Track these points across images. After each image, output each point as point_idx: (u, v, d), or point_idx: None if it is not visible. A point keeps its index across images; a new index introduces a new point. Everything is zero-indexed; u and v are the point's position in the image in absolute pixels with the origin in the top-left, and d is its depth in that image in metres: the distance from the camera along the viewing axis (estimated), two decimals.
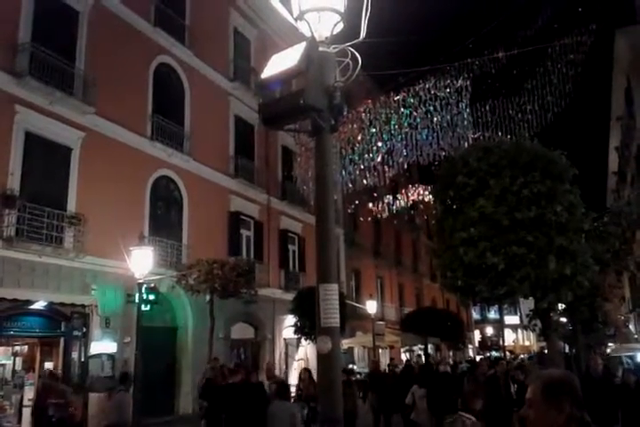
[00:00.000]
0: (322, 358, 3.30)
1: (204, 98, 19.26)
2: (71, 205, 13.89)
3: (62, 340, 13.28)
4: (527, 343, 50.30)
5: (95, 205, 14.20)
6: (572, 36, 13.22)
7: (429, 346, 25.80)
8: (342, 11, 3.95)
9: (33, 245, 12.56)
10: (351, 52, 4.07)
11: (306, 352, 21.76)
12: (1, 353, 12.26)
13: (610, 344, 25.88)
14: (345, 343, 23.28)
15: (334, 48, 4.00)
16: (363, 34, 4.13)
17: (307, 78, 3.72)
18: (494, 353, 38.21)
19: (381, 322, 24.86)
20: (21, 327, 12.66)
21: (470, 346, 42.78)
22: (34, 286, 12.62)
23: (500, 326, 39.88)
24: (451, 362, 23.12)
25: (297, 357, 22.04)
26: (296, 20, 4.04)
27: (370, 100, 20.80)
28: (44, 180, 13.50)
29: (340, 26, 4.03)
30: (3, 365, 12.76)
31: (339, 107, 3.93)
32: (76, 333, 13.29)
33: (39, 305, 12.68)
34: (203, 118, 19.06)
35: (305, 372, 11.83)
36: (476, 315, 50.38)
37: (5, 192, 12.32)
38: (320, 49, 3.87)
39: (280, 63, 3.84)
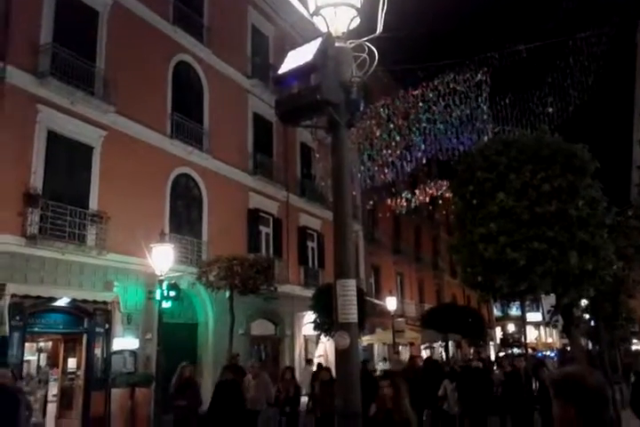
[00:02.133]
0: (340, 353, 3.30)
1: (222, 95, 19.35)
2: (93, 203, 14.05)
3: (85, 336, 13.46)
4: (550, 340, 49.73)
5: (117, 202, 14.36)
6: (594, 28, 12.99)
7: (450, 343, 25.62)
8: (358, 6, 3.93)
9: (56, 243, 12.73)
10: (368, 46, 4.05)
11: (325, 349, 21.79)
12: (26, 349, 12.46)
13: (635, 341, 25.48)
14: (365, 340, 23.27)
15: (351, 43, 3.98)
16: (379, 28, 4.10)
17: (323, 74, 3.71)
18: (516, 350, 37.82)
19: (401, 319, 24.80)
20: (45, 324, 12.86)
21: (492, 343, 42.43)
22: (57, 284, 12.81)
23: (521, 322, 39.47)
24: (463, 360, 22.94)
25: (317, 353, 22.07)
26: (312, 15, 4.03)
27: (388, 96, 20.69)
28: (67, 178, 13.68)
29: (357, 21, 4.01)
30: (28, 361, 13.00)
31: (355, 102, 3.92)
32: (98, 329, 13.46)
33: (62, 302, 12.85)
34: (222, 116, 19.15)
35: (287, 371, 10.91)
36: (497, 312, 49.94)
37: (28, 191, 12.50)
38: (336, 44, 3.85)
39: (296, 59, 3.84)
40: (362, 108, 4.12)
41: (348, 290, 3.39)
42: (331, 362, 16.91)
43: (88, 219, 13.61)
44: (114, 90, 14.68)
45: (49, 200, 12.78)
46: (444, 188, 23.35)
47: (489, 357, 29.56)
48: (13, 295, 11.55)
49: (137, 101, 15.60)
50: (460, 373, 11.43)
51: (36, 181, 12.79)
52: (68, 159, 13.78)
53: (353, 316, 3.35)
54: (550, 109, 13.86)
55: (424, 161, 21.46)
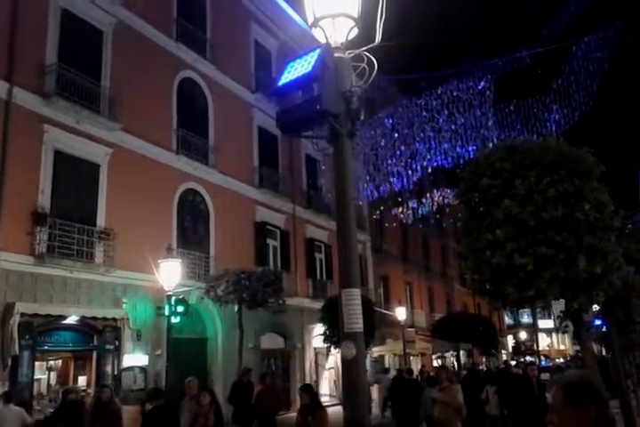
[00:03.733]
0: (346, 363, 3.27)
1: (227, 110, 19.48)
2: (101, 221, 14.12)
3: (95, 353, 13.46)
4: (562, 347, 49.22)
5: (124, 219, 14.42)
6: (598, 33, 13.00)
7: (461, 352, 25.40)
8: (356, 16, 3.96)
9: (64, 261, 12.78)
10: (367, 56, 4.07)
11: (336, 361, 21.64)
12: (36, 368, 12.45)
13: None
14: (375, 351, 23.11)
15: (350, 53, 4.01)
16: (378, 38, 4.13)
17: (322, 84, 3.73)
18: (529, 358, 37.44)
19: (411, 329, 24.61)
20: (55, 342, 12.87)
21: (504, 351, 42.03)
22: (66, 302, 12.84)
23: (533, 330, 39.18)
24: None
25: (327, 366, 21.95)
26: (311, 27, 4.06)
27: (392, 105, 20.75)
28: (74, 196, 13.76)
29: (355, 31, 4.04)
30: (38, 380, 12.96)
31: (356, 111, 3.94)
32: (108, 346, 13.45)
33: (72, 320, 12.88)
34: (227, 130, 19.27)
35: (206, 395, 8.57)
36: (508, 320, 49.55)
37: (36, 210, 12.59)
38: (335, 55, 3.88)
39: (295, 70, 3.87)
40: (362, 118, 4.13)
41: (352, 299, 3.37)
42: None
43: (96, 236, 13.67)
44: (119, 108, 14.82)
45: (57, 218, 12.85)
46: (451, 196, 23.34)
47: (498, 366, 29.24)
48: (23, 314, 11.59)
49: (142, 118, 15.74)
50: (502, 378, 12.24)
51: (44, 200, 12.88)
52: (75, 177, 13.87)
53: (358, 325, 3.33)
54: (557, 116, 13.85)
55: (429, 170, 21.49)
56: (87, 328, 13.34)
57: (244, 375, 11.30)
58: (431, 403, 9.14)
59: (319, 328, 18.74)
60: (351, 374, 3.28)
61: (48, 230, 12.61)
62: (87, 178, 14.17)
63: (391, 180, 22.01)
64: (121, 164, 14.85)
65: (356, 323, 3.34)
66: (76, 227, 13.22)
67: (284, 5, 23.06)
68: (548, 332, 46.68)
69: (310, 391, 6.80)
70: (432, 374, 15.71)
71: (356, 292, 3.39)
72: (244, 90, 20.70)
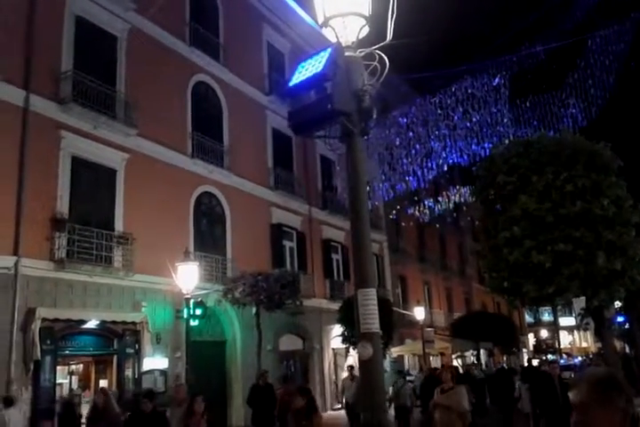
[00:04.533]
0: (363, 363, 3.25)
1: (241, 113, 19.55)
2: (118, 225, 14.23)
3: (116, 357, 13.57)
4: (584, 345, 48.60)
5: (141, 223, 14.53)
6: (614, 25, 12.81)
7: (482, 351, 25.21)
8: (367, 15, 3.93)
9: (84, 266, 12.88)
10: (378, 55, 4.04)
11: (355, 362, 21.58)
12: (58, 373, 12.59)
13: None
14: (394, 351, 23.00)
15: (361, 52, 3.98)
16: (389, 36, 4.10)
17: (334, 84, 3.72)
18: (550, 356, 37.01)
19: (430, 328, 24.49)
20: (76, 347, 13.00)
21: (525, 350, 41.59)
22: (86, 306, 12.95)
23: (554, 328, 38.68)
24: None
25: (346, 366, 21.90)
26: (321, 27, 4.05)
27: (406, 104, 20.66)
28: (92, 201, 13.88)
29: (366, 30, 4.01)
30: (60, 384, 13.11)
31: (368, 110, 3.91)
32: (128, 350, 13.55)
33: (92, 324, 12.99)
34: (241, 133, 19.33)
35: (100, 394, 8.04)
36: (529, 318, 49.04)
37: (55, 216, 12.72)
38: (346, 54, 3.86)
39: (307, 70, 3.85)
40: (375, 116, 4.10)
41: (368, 299, 3.35)
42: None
43: (114, 241, 13.77)
44: (135, 113, 14.93)
45: (75, 224, 12.96)
46: (467, 194, 23.17)
47: (521, 365, 28.95)
48: (44, 319, 11.72)
49: (158, 123, 15.84)
50: (533, 376, 12.23)
51: (63, 206, 13.00)
52: (92, 183, 14.00)
53: (375, 325, 3.31)
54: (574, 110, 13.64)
55: (445, 168, 21.36)
56: (107, 332, 13.45)
57: (261, 378, 11.32)
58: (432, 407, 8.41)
59: (337, 329, 18.72)
60: (368, 375, 3.25)
61: (67, 236, 12.72)
62: (104, 183, 14.29)
63: (407, 179, 21.93)
64: (137, 168, 14.96)
65: (373, 323, 3.31)
66: (95, 232, 13.33)
67: (295, 6, 23.06)
68: (570, 329, 46.08)
69: (308, 394, 6.48)
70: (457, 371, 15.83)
71: (372, 292, 3.36)
72: (257, 92, 20.76)
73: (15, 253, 11.78)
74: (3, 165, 11.99)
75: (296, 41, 23.29)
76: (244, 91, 20.11)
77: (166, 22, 16.94)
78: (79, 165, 13.68)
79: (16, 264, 11.71)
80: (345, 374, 19.17)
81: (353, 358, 21.43)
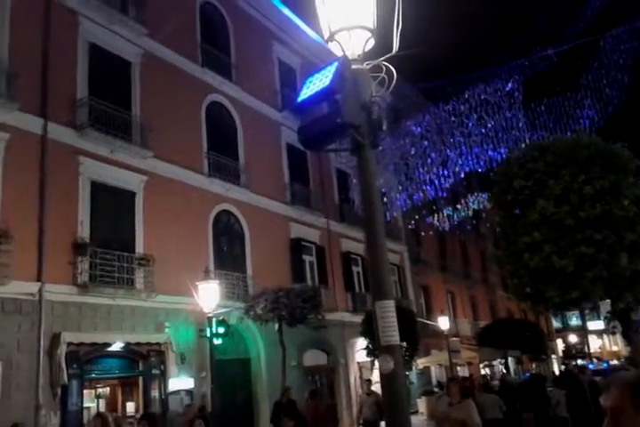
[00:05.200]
0: (385, 377, 3.19)
1: (255, 130, 19.71)
2: (139, 247, 14.35)
3: (141, 379, 13.60)
4: (615, 349, 47.57)
5: (161, 244, 14.64)
6: (625, 25, 12.71)
7: (509, 359, 24.78)
8: (372, 27, 3.94)
9: (106, 289, 12.98)
10: (385, 66, 4.05)
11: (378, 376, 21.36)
12: (85, 396, 12.65)
13: None
14: (420, 363, 22.75)
15: (368, 64, 3.99)
16: (396, 47, 4.11)
17: (341, 97, 3.72)
18: (580, 362, 36.27)
19: (456, 338, 24.18)
20: (102, 370, 13.06)
21: (554, 356, 40.82)
22: (110, 329, 13.02)
23: (583, 332, 37.99)
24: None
25: (373, 380, 21.70)
26: (327, 41, 4.08)
27: (419, 113, 20.65)
28: (112, 224, 14.03)
29: (372, 42, 4.02)
30: (88, 408, 13.15)
31: (377, 122, 3.91)
32: (154, 371, 13.57)
33: (117, 347, 13.04)
34: (256, 150, 19.48)
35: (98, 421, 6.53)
36: (556, 323, 48.19)
37: (77, 240, 12.88)
38: (353, 66, 3.87)
39: (314, 85, 3.87)
40: (385, 127, 4.09)
41: (387, 311, 3.30)
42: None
43: (135, 263, 13.87)
44: (151, 135, 15.13)
45: (97, 248, 13.09)
46: (486, 200, 23.00)
47: (553, 371, 28.40)
48: (69, 344, 11.82)
49: (173, 144, 16.03)
50: (569, 383, 12.17)
51: (84, 231, 13.16)
52: (112, 206, 14.16)
53: (395, 338, 3.26)
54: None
55: (462, 175, 21.24)
56: (132, 354, 13.49)
57: (284, 395, 11.25)
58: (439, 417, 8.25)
59: (361, 342, 18.58)
60: (391, 388, 3.20)
61: (89, 260, 12.85)
62: (124, 206, 14.45)
63: (424, 188, 21.86)
64: (155, 190, 15.12)
65: (393, 335, 3.26)
66: (116, 255, 13.44)
67: (300, 23, 23.26)
68: (599, 333, 45.20)
69: (295, 413, 6.34)
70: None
71: (390, 304, 3.32)
72: (270, 109, 20.93)
73: (39, 279, 11.92)
74: (24, 192, 12.20)
75: (306, 56, 23.48)
76: (258, 108, 20.30)
77: (178, 45, 17.23)
78: (98, 189, 13.85)
79: (40, 290, 11.85)
80: (372, 388, 19.00)
81: (379, 372, 21.27)
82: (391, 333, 3.26)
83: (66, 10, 14.09)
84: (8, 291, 11.29)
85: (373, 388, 13.16)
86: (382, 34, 4.11)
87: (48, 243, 12.25)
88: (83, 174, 13.56)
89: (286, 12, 22.66)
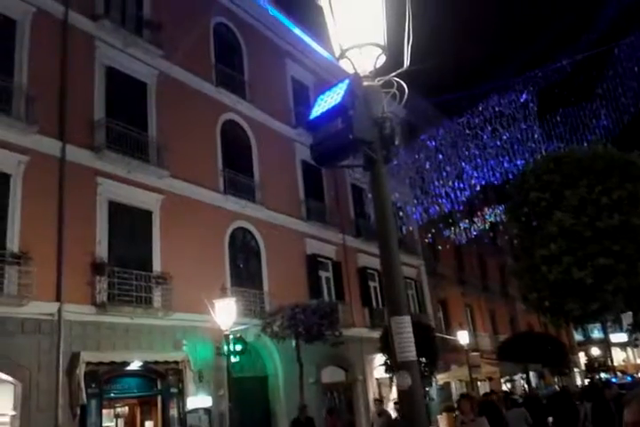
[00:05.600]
0: (403, 394, 3.16)
1: (270, 147, 19.86)
2: (156, 265, 14.43)
3: (160, 398, 13.57)
4: (639, 361, 46.56)
5: (178, 262, 14.71)
6: (638, 32, 12.66)
7: (531, 374, 24.35)
8: (383, 44, 3.98)
9: (124, 308, 13.04)
10: (396, 81, 4.08)
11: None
12: (104, 416, 12.66)
13: None
14: (440, 378, 22.42)
15: (379, 80, 4.02)
16: (407, 62, 4.14)
17: (353, 113, 3.75)
18: (603, 375, 35.49)
19: (476, 353, 23.84)
20: (120, 389, 13.04)
21: (576, 370, 40.00)
22: (128, 348, 13.05)
23: (606, 345, 37.23)
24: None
25: (391, 396, 21.44)
26: (338, 59, 4.12)
27: (433, 127, 20.67)
28: (129, 243, 14.14)
29: (383, 58, 4.06)
30: None
31: (389, 137, 3.93)
32: (172, 389, 13.54)
33: (135, 366, 13.05)
34: (271, 167, 19.60)
35: None
36: (578, 336, 47.32)
37: (95, 260, 12.99)
38: (365, 83, 3.90)
39: (325, 102, 3.91)
40: (397, 143, 4.11)
41: (403, 327, 3.28)
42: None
43: (153, 281, 13.94)
44: (166, 155, 15.31)
45: (115, 267, 13.19)
46: (503, 213, 22.83)
47: (576, 385, 27.83)
48: (88, 363, 11.85)
49: (189, 163, 16.20)
50: (594, 396, 12.04)
51: (102, 250, 13.28)
52: (129, 226, 14.30)
53: (412, 354, 3.23)
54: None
55: (478, 188, 21.16)
56: (150, 373, 13.49)
57: (302, 412, 11.16)
58: None
59: (380, 358, 18.40)
60: (409, 405, 3.16)
61: (107, 279, 12.94)
62: (141, 225, 14.58)
63: (440, 201, 21.81)
64: (172, 208, 15.25)
65: (410, 351, 3.24)
66: (134, 274, 13.52)
67: (310, 41, 23.50)
68: (623, 346, 44.30)
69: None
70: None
71: (406, 319, 3.30)
72: (284, 126, 21.09)
73: (58, 299, 12.02)
74: (43, 213, 12.37)
75: (319, 73, 23.68)
76: (272, 126, 20.47)
77: (193, 65, 17.49)
78: (116, 208, 14.00)
79: (59, 310, 11.94)
80: (391, 405, 18.77)
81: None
82: (408, 349, 3.23)
83: (83, 34, 14.42)
84: (28, 311, 11.40)
85: (388, 407, 13.00)
86: (394, 48, 4.14)
87: (67, 263, 12.37)
88: (100, 195, 13.71)
89: (297, 31, 22.93)
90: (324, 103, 3.99)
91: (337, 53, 4.06)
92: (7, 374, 11.06)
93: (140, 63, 15.79)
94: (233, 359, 12.00)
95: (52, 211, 12.56)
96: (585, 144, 13.10)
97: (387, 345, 16.18)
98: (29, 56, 13.09)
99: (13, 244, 11.67)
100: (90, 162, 13.64)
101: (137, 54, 15.65)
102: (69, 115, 13.45)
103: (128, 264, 13.61)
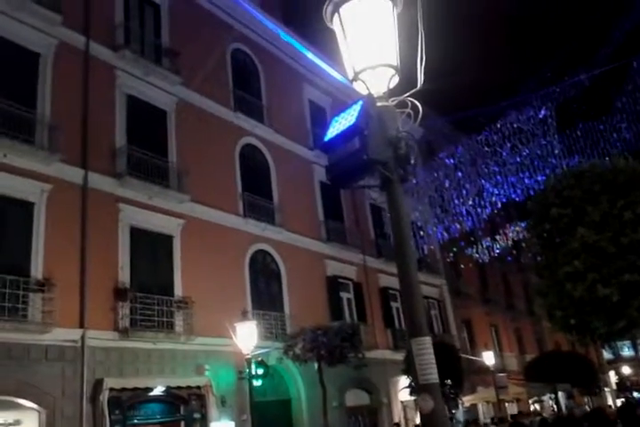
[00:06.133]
0: (425, 418, 3.10)
1: (288, 170, 20.00)
2: (178, 290, 14.48)
3: (183, 423, 13.48)
4: None
5: (199, 286, 14.75)
6: None
7: (560, 394, 23.71)
8: (396, 64, 4.01)
9: (147, 334, 13.06)
10: (410, 101, 4.10)
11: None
12: None
13: None
14: (466, 400, 21.96)
15: (393, 100, 4.05)
16: (420, 82, 4.15)
17: (367, 134, 3.77)
18: (636, 394, 34.40)
19: (502, 373, 23.36)
20: (144, 415, 12.97)
21: (607, 389, 38.83)
22: (151, 373, 13.04)
23: (637, 363, 36.23)
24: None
25: (417, 420, 21.02)
26: (352, 81, 4.16)
27: (451, 145, 20.64)
28: (151, 268, 14.23)
29: (396, 79, 4.08)
30: None
31: (405, 156, 3.93)
32: (195, 415, 13.45)
33: (158, 391, 13.01)
34: (290, 189, 19.71)
35: None
36: (607, 354, 46.07)
37: (118, 286, 13.08)
38: (378, 104, 3.93)
39: (340, 124, 3.95)
40: (413, 162, 4.11)
41: (424, 349, 3.23)
42: None
43: (174, 306, 13.97)
44: (187, 180, 15.49)
45: (137, 292, 13.26)
46: (525, 230, 22.56)
47: (609, 405, 27.01)
48: (111, 389, 11.84)
49: (209, 187, 16.37)
50: (629, 414, 12.08)
51: (124, 276, 13.37)
52: (150, 250, 14.42)
53: (434, 376, 3.17)
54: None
55: (499, 205, 20.98)
56: (173, 398, 13.42)
57: None
58: None
59: (404, 381, 18.10)
60: None
61: (130, 305, 12.99)
62: (162, 249, 14.69)
63: (460, 219, 21.66)
64: (192, 232, 15.36)
65: (431, 373, 3.18)
66: (156, 298, 13.57)
67: (325, 66, 23.76)
68: None
69: None
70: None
71: (427, 340, 3.26)
72: (302, 148, 21.25)
73: (81, 325, 12.10)
74: (66, 240, 12.53)
75: (336, 95, 23.89)
76: (290, 148, 20.65)
77: (211, 92, 17.78)
78: (137, 234, 14.13)
79: (82, 337, 12.01)
80: None
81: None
82: (429, 371, 3.18)
83: (104, 64, 14.80)
84: (51, 338, 11.48)
85: None
86: (410, 66, 4.16)
87: (90, 289, 12.48)
88: (122, 221, 13.87)
89: (310, 55, 23.22)
90: (339, 125, 4.03)
91: (350, 76, 4.11)
92: (32, 401, 11.09)
93: (160, 91, 16.11)
94: (255, 383, 11.91)
95: (74, 238, 12.73)
96: (606, 158, 12.96)
97: (410, 367, 15.91)
98: (52, 87, 13.44)
99: (37, 271, 11.81)
100: (112, 189, 13.84)
101: (156, 82, 15.98)
102: (91, 143, 13.72)
103: (150, 289, 13.68)
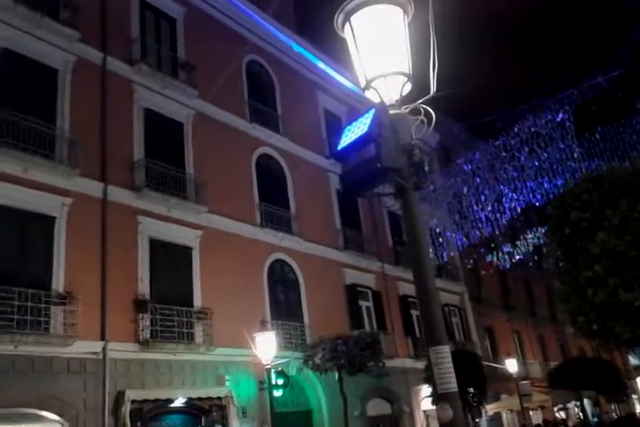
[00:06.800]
0: None
1: (304, 179, 20.05)
2: (197, 301, 14.53)
3: None
4: None
5: (218, 297, 14.79)
6: None
7: (585, 401, 23.26)
8: (408, 72, 4.00)
9: (167, 345, 13.11)
10: (423, 108, 4.09)
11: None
12: None
13: None
14: (490, 409, 21.66)
15: (406, 108, 4.04)
16: (433, 89, 4.14)
17: (381, 142, 3.77)
18: None
19: (526, 381, 22.99)
20: (165, 426, 12.98)
21: (635, 396, 37.98)
22: (172, 385, 13.06)
23: None
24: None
25: None
26: (364, 90, 4.17)
27: (468, 151, 20.53)
28: (170, 280, 14.31)
29: (409, 86, 4.08)
30: None
31: (419, 163, 3.91)
32: (216, 426, 13.43)
33: (179, 402, 13.02)
34: (306, 198, 19.75)
35: None
36: (634, 360, 45.09)
37: (138, 298, 13.17)
38: (391, 112, 3.92)
39: (352, 133, 3.96)
40: (427, 169, 4.09)
41: (442, 357, 3.20)
42: None
43: (194, 317, 14.01)
44: (204, 191, 15.61)
45: (157, 304, 13.33)
46: (544, 235, 22.31)
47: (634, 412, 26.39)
48: (133, 401, 11.89)
49: (226, 198, 16.47)
50: None
51: (144, 287, 13.47)
52: (170, 262, 14.50)
53: (452, 384, 3.13)
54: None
55: (519, 210, 20.77)
56: (194, 409, 13.43)
57: None
58: None
59: (426, 389, 17.92)
60: None
61: (150, 316, 13.07)
62: (181, 260, 14.78)
63: (480, 225, 21.49)
64: (210, 243, 15.44)
65: (450, 382, 3.15)
66: (175, 310, 13.63)
67: (337, 76, 23.83)
68: None
69: None
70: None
71: (445, 349, 3.23)
72: (318, 157, 21.30)
73: (102, 337, 12.19)
74: (86, 253, 12.66)
75: (351, 103, 23.94)
76: (306, 157, 20.71)
77: (227, 103, 17.94)
78: (157, 246, 14.24)
79: (104, 349, 12.09)
80: None
81: None
82: (448, 379, 3.15)
83: (121, 79, 15.01)
84: (73, 351, 11.57)
85: None
86: (422, 72, 4.15)
87: (110, 301, 12.57)
88: (141, 233, 14.00)
89: (324, 65, 23.32)
90: (351, 133, 4.04)
91: (362, 84, 4.11)
92: (55, 413, 11.17)
93: (177, 104, 16.30)
94: (276, 393, 11.89)
95: (95, 250, 12.86)
96: (626, 161, 12.79)
97: (431, 375, 15.76)
98: (70, 102, 13.66)
99: (59, 284, 11.95)
100: (130, 201, 13.99)
101: (173, 95, 16.17)
102: (110, 156, 13.90)
103: (169, 300, 13.74)
